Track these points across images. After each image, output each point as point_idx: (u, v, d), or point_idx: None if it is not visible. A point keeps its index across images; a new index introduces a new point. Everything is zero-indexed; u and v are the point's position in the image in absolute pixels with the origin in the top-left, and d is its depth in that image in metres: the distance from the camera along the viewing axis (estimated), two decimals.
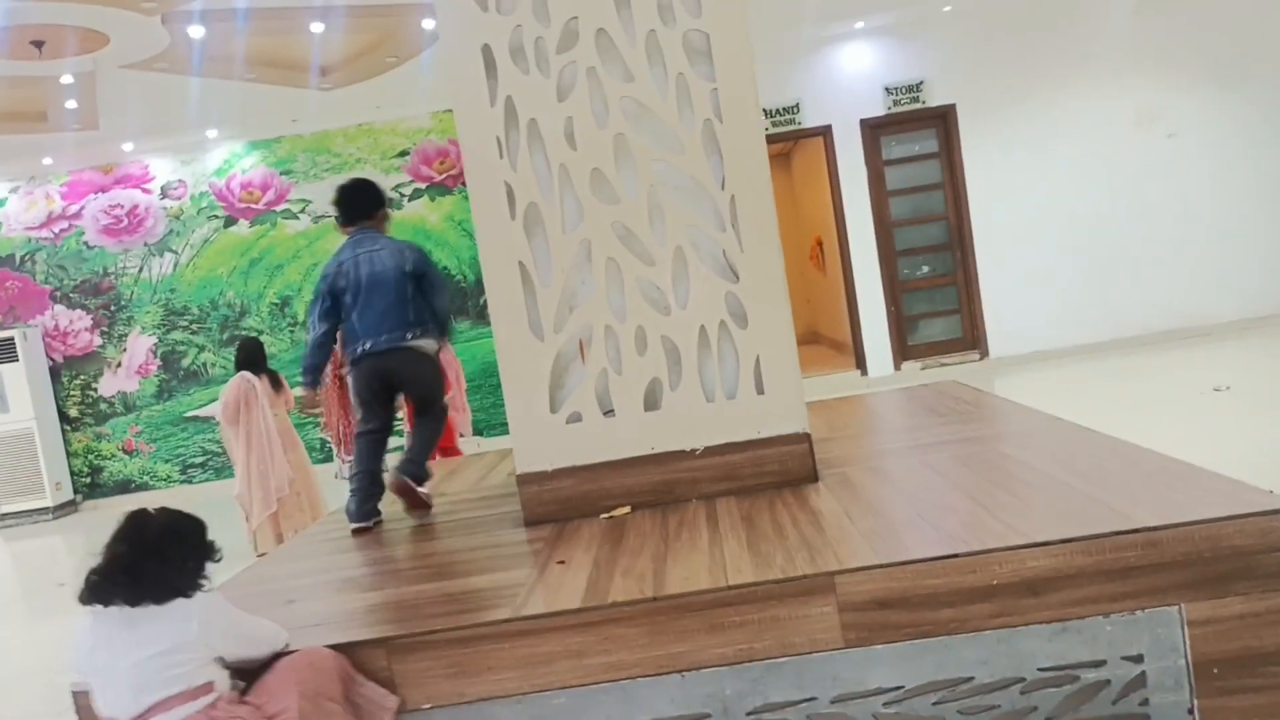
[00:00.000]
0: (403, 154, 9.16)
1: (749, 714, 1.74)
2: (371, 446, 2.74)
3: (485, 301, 9.16)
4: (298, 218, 9.16)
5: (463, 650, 1.75)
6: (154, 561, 1.64)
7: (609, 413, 2.43)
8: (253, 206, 9.17)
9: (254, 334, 8.55)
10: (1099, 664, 1.70)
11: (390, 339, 2.62)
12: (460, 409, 6.77)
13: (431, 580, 2.11)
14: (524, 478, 2.45)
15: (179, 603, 1.63)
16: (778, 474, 2.40)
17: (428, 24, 6.65)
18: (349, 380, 2.86)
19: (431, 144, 9.15)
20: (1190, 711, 1.69)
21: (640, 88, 2.36)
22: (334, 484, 7.50)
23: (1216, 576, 1.66)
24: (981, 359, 8.54)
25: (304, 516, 5.33)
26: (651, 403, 2.43)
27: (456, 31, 2.37)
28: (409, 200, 9.18)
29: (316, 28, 6.35)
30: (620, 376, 2.42)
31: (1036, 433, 2.56)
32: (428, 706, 1.77)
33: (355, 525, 2.70)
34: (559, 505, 2.43)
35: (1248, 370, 6.91)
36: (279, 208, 9.16)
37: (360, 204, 2.77)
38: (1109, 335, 8.35)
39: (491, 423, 9.25)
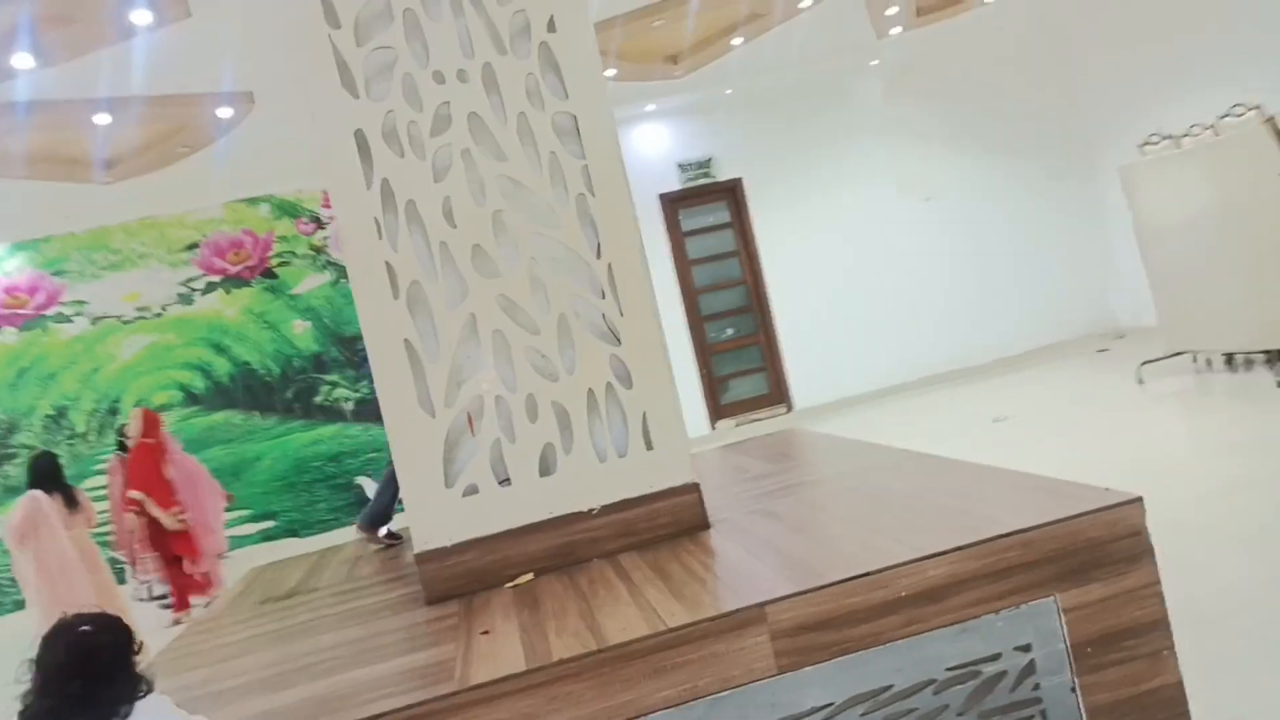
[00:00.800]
0: (191, 247, 8.74)
1: None
2: None
3: (293, 395, 8.75)
4: (72, 320, 8.51)
5: None
6: (76, 701, 1.52)
7: (505, 481, 2.47)
8: (19, 312, 8.43)
9: (32, 450, 7.79)
10: (995, 657, 1.91)
11: None
12: (209, 530, 6.44)
13: (351, 669, 2.06)
14: (423, 556, 2.43)
15: None
16: (672, 525, 2.52)
17: (223, 112, 6.46)
18: None
19: (224, 235, 8.79)
20: (1073, 690, 1.92)
21: (515, 166, 2.47)
22: (141, 607, 6.91)
23: (1080, 566, 1.92)
24: (788, 411, 9.09)
25: None
26: (546, 468, 2.49)
27: (329, 117, 2.39)
28: (202, 294, 8.74)
29: (102, 119, 6.03)
30: (514, 445, 2.47)
31: (892, 464, 2.82)
32: None
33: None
34: (462, 580, 2.43)
35: (1018, 400, 7.76)
36: (50, 311, 8.48)
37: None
38: (899, 379, 9.14)
39: (309, 521, 8.82)
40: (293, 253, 8.95)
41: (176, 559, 6.38)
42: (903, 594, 1.87)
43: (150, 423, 6.53)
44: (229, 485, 8.72)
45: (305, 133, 7.00)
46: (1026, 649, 1.92)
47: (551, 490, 2.48)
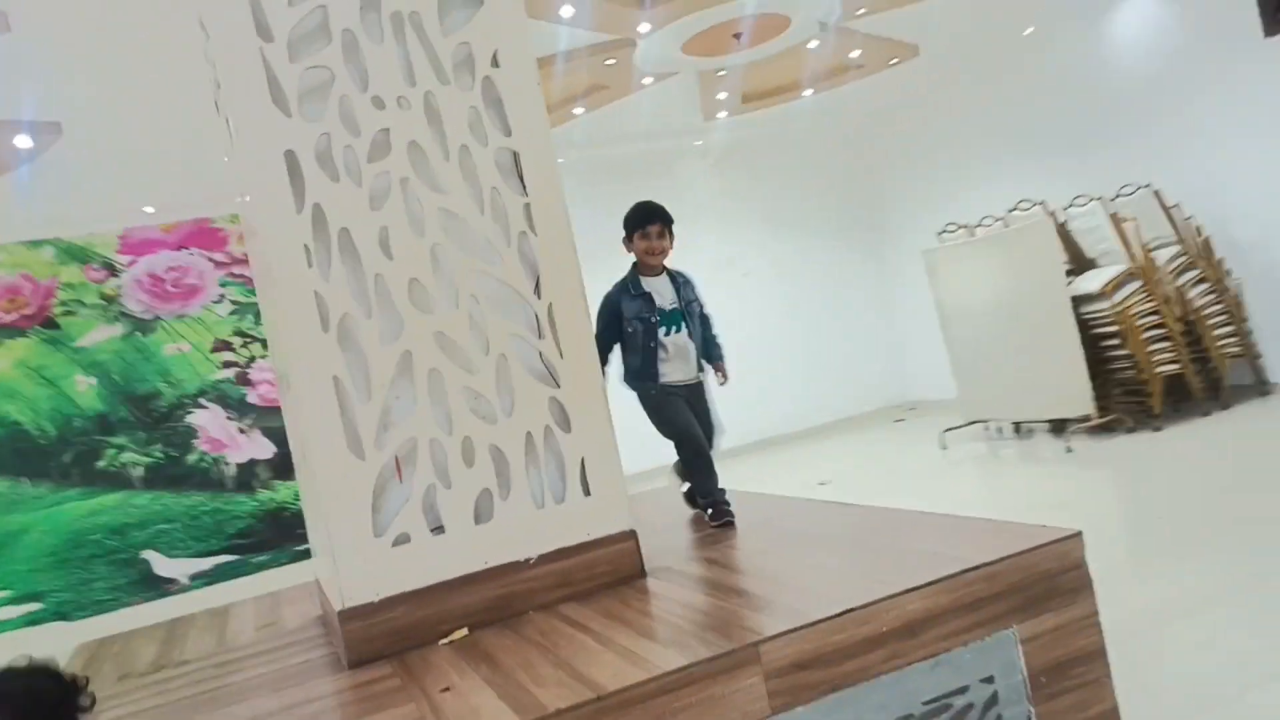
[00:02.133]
0: None
1: None
2: None
3: (71, 459, 7.86)
4: None
5: None
6: None
7: (437, 530, 2.31)
8: None
9: None
10: (964, 689, 1.96)
11: None
12: None
13: None
14: (347, 614, 2.21)
15: None
16: (609, 574, 2.44)
17: (21, 141, 5.85)
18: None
19: None
20: (1029, 718, 2.01)
21: (455, 200, 2.38)
22: None
23: (1035, 598, 2.03)
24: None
25: None
26: (482, 515, 2.35)
27: (256, 134, 2.21)
28: None
29: None
30: (449, 490, 2.32)
31: (802, 512, 2.88)
32: None
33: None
34: (390, 638, 2.23)
35: (836, 466, 8.17)
36: None
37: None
38: (727, 443, 9.38)
39: (82, 602, 7.83)
40: (80, 301, 8.08)
41: None
42: (884, 629, 1.90)
43: None
44: None
45: (113, 169, 6.56)
46: (990, 680, 1.99)
47: (487, 539, 2.35)
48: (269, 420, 8.55)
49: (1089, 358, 6.86)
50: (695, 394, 3.06)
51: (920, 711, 1.92)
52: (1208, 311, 7.06)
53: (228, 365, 8.45)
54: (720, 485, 2.97)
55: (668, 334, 2.96)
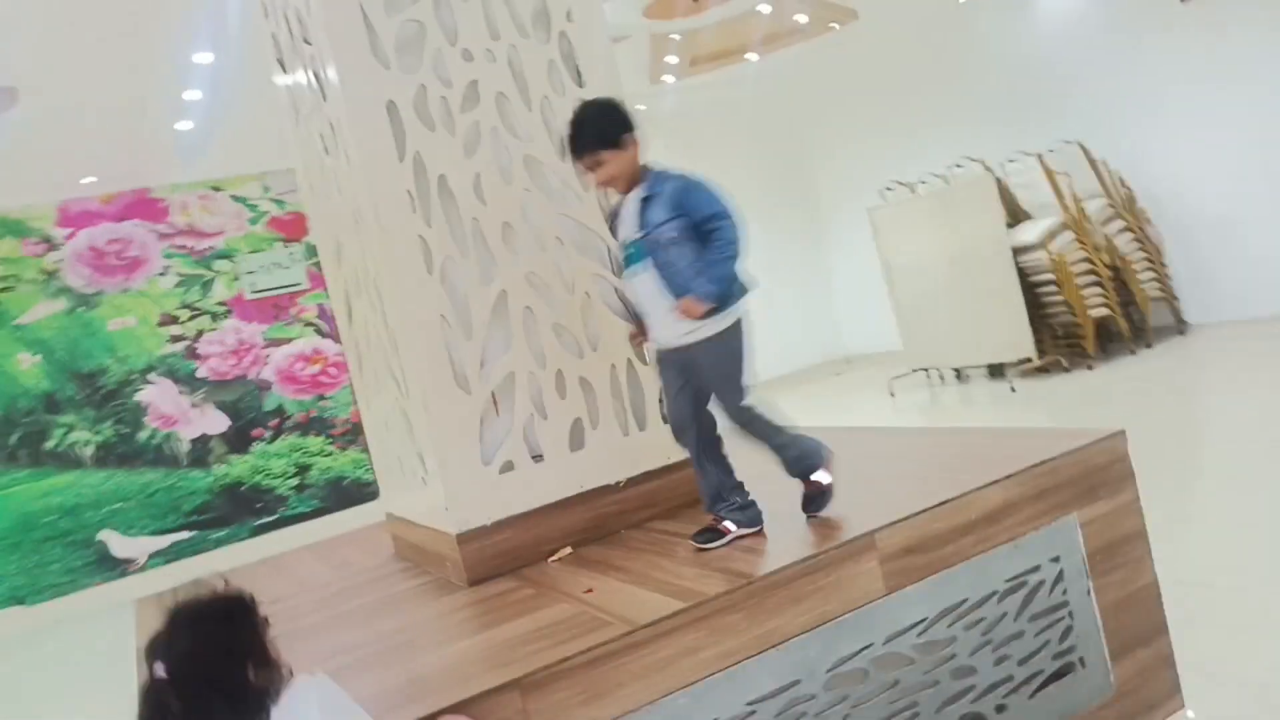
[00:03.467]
0: None
1: (828, 670, 1.96)
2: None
3: (17, 440, 7.70)
4: None
5: (591, 673, 1.74)
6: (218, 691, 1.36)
7: (538, 458, 2.48)
8: None
9: None
10: (1036, 568, 2.23)
11: None
12: None
13: (458, 640, 1.98)
14: (464, 537, 2.36)
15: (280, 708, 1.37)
16: (689, 494, 2.63)
17: None
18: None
19: None
20: (1088, 593, 2.29)
21: (540, 148, 2.52)
22: None
23: (1090, 488, 2.31)
24: None
25: None
26: (576, 443, 2.52)
27: (359, 86, 2.31)
28: None
29: None
30: (546, 421, 2.48)
31: (856, 436, 3.13)
32: None
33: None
34: (502, 559, 2.39)
35: (799, 416, 8.50)
36: None
37: None
38: None
39: (38, 586, 7.65)
40: (18, 277, 7.84)
41: None
42: (973, 517, 2.15)
43: None
44: None
45: (51, 138, 6.38)
46: (1056, 560, 2.26)
47: (581, 465, 2.52)
48: (221, 394, 8.46)
49: (1027, 304, 7.31)
50: (694, 359, 2.18)
51: (1003, 588, 2.18)
52: (1132, 258, 7.60)
53: (175, 339, 8.32)
54: (725, 496, 2.26)
55: (633, 276, 2.19)
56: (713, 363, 2.16)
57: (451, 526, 2.37)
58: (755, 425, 2.22)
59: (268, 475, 8.56)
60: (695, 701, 1.83)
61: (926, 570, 2.08)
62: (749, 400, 2.19)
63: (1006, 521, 2.19)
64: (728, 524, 2.21)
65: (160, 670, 1.36)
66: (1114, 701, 2.28)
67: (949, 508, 2.12)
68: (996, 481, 2.19)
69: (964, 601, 2.13)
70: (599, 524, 2.52)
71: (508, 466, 2.43)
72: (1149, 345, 7.62)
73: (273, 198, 8.74)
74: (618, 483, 2.55)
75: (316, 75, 2.50)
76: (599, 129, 2.15)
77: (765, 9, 7.62)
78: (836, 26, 8.65)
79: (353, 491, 8.87)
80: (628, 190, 2.19)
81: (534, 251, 2.49)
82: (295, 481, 8.67)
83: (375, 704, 1.67)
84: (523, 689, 1.68)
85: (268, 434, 8.61)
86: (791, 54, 9.10)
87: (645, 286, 2.15)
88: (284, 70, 2.83)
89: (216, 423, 8.47)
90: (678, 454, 2.64)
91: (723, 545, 2.17)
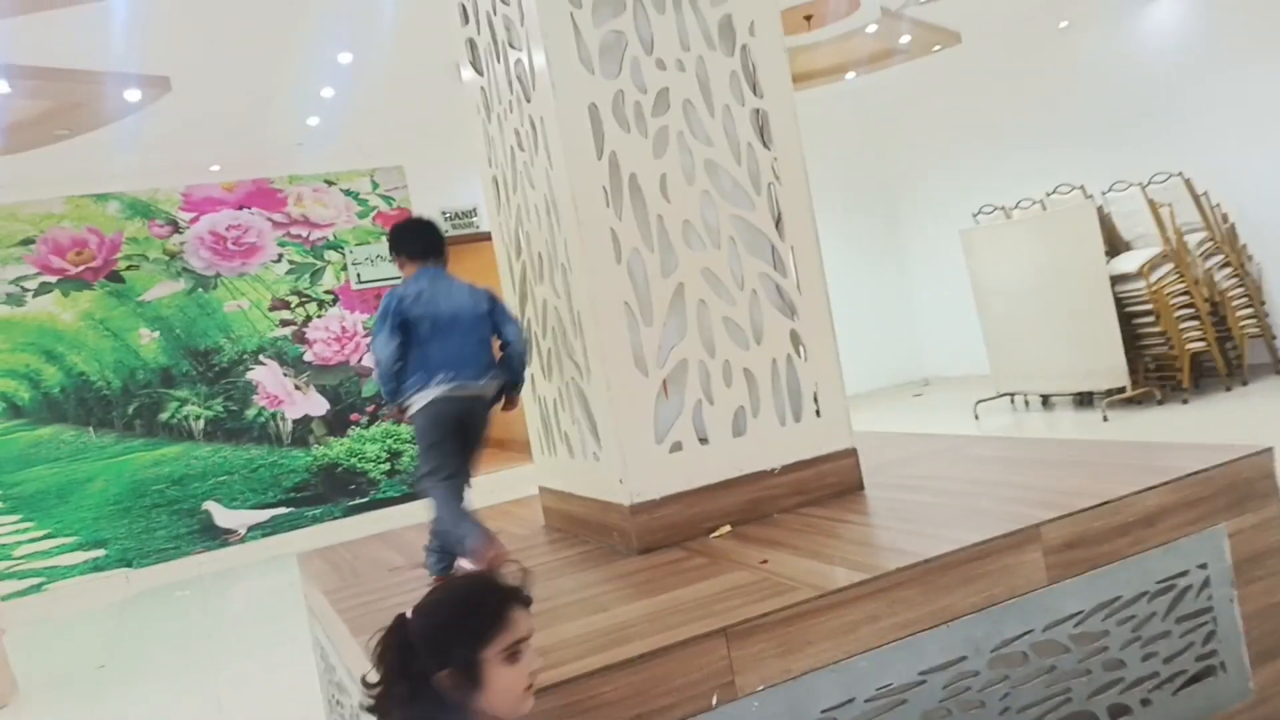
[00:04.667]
0: (26, 242, 7.87)
1: (992, 650, 2.10)
2: (454, 492, 2.57)
3: (134, 410, 8.06)
4: None
5: (787, 629, 1.90)
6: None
7: (703, 440, 2.65)
8: None
9: None
10: (1185, 573, 2.34)
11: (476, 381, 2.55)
12: None
13: (654, 594, 2.16)
14: (636, 507, 2.55)
15: None
16: (836, 485, 2.80)
17: (131, 95, 6.03)
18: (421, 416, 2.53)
19: (64, 232, 8.00)
20: (1232, 600, 2.39)
21: (719, 152, 2.70)
22: None
23: (1238, 500, 2.41)
24: None
25: None
26: (738, 429, 2.69)
27: (567, 89, 2.52)
28: (34, 295, 7.87)
29: None
30: (713, 406, 2.66)
31: (986, 444, 3.25)
32: (762, 688, 1.87)
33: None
34: (668, 530, 2.57)
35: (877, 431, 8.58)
36: None
37: (434, 239, 2.67)
38: None
39: (145, 550, 8.04)
40: (144, 256, 8.27)
41: None
42: (1130, 519, 2.27)
43: None
44: (54, 508, 7.85)
45: (180, 126, 6.65)
46: (1204, 566, 2.37)
47: (742, 450, 2.69)
48: (323, 378, 8.82)
49: (1122, 334, 7.31)
50: None
51: (1154, 589, 2.30)
52: (1231, 294, 7.55)
53: (285, 324, 8.70)
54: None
55: None
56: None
57: (625, 498, 2.55)
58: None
59: (362, 459, 8.87)
60: (874, 665, 1.98)
61: (1086, 565, 2.21)
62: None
63: (1160, 526, 2.31)
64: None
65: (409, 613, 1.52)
66: (1252, 706, 2.38)
67: (1109, 508, 2.25)
68: (1153, 487, 2.31)
69: (1118, 598, 2.25)
70: (754, 506, 2.68)
71: (677, 446, 2.61)
72: (1244, 383, 7.56)
73: (381, 194, 9.08)
74: (774, 469, 2.72)
75: (520, 78, 2.71)
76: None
77: (872, 29, 7.75)
78: (939, 49, 8.74)
79: None
80: None
81: (709, 248, 2.67)
82: (386, 466, 8.97)
83: (582, 646, 1.86)
84: (729, 637, 1.85)
85: (364, 419, 8.93)
86: (891, 74, 9.21)
87: None
88: (477, 72, 3.06)
89: (318, 405, 8.82)
90: (828, 446, 2.80)
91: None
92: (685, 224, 2.65)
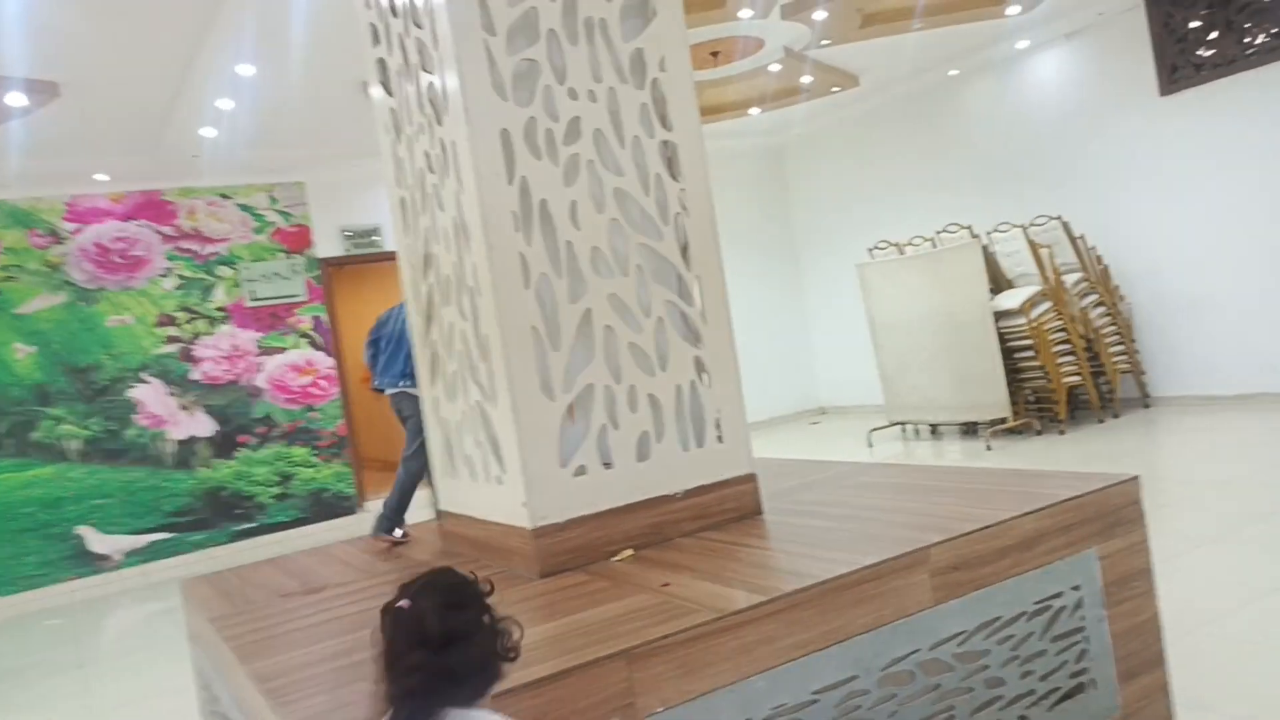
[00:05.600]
0: None
1: (881, 669, 2.18)
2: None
3: (5, 429, 7.63)
4: None
5: (687, 651, 1.94)
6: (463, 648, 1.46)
7: (608, 465, 2.68)
8: None
9: None
10: (1059, 594, 2.48)
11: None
12: None
13: (558, 617, 2.17)
14: (539, 531, 2.56)
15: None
16: (736, 510, 2.86)
17: (15, 100, 5.77)
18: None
19: None
20: (1102, 620, 2.54)
21: (628, 182, 2.76)
22: None
23: (1108, 525, 2.57)
24: None
25: None
26: (642, 454, 2.74)
27: (480, 113, 2.54)
28: None
29: None
30: (618, 431, 2.70)
31: (874, 470, 3.37)
32: (661, 710, 1.90)
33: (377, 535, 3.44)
34: (571, 554, 2.59)
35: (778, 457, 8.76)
36: None
37: None
38: None
39: (10, 577, 7.60)
40: (21, 267, 7.88)
41: None
42: (1010, 543, 2.40)
43: None
44: None
45: (66, 132, 6.45)
46: (1078, 588, 2.51)
47: (646, 475, 2.73)
48: (211, 398, 8.52)
49: (1004, 367, 7.68)
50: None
51: (1031, 609, 2.43)
52: (1105, 331, 8.01)
53: (171, 341, 8.39)
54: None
55: None
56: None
57: (527, 521, 2.56)
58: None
59: (250, 481, 8.59)
60: (771, 685, 2.03)
61: (969, 587, 2.32)
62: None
63: (1037, 549, 2.44)
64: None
65: (407, 636, 1.46)
66: None
67: (990, 532, 2.37)
68: (1031, 513, 2.44)
69: (998, 618, 2.36)
70: (657, 530, 2.73)
71: (581, 470, 2.64)
72: (1116, 415, 8.02)
73: (280, 209, 8.88)
74: (676, 493, 2.77)
75: (432, 101, 2.72)
76: None
77: (775, 68, 8.00)
78: (838, 90, 9.07)
79: (333, 504, 8.93)
80: None
81: (617, 276, 2.72)
82: (277, 490, 8.71)
83: None
84: (629, 659, 1.88)
85: (254, 441, 8.66)
86: (796, 112, 9.50)
87: None
88: (387, 92, 3.05)
89: (204, 426, 8.51)
90: (729, 471, 2.87)
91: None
92: (594, 251, 2.69)
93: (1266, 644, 3.24)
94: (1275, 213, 7.29)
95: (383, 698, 1.43)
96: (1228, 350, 7.70)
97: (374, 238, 9.15)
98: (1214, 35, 7.45)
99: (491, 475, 2.75)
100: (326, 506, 8.90)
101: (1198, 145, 7.64)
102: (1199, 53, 7.55)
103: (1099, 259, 8.21)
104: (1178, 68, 7.70)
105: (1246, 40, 7.28)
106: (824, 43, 7.44)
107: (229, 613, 2.80)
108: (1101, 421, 7.89)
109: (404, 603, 1.50)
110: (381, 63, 3.06)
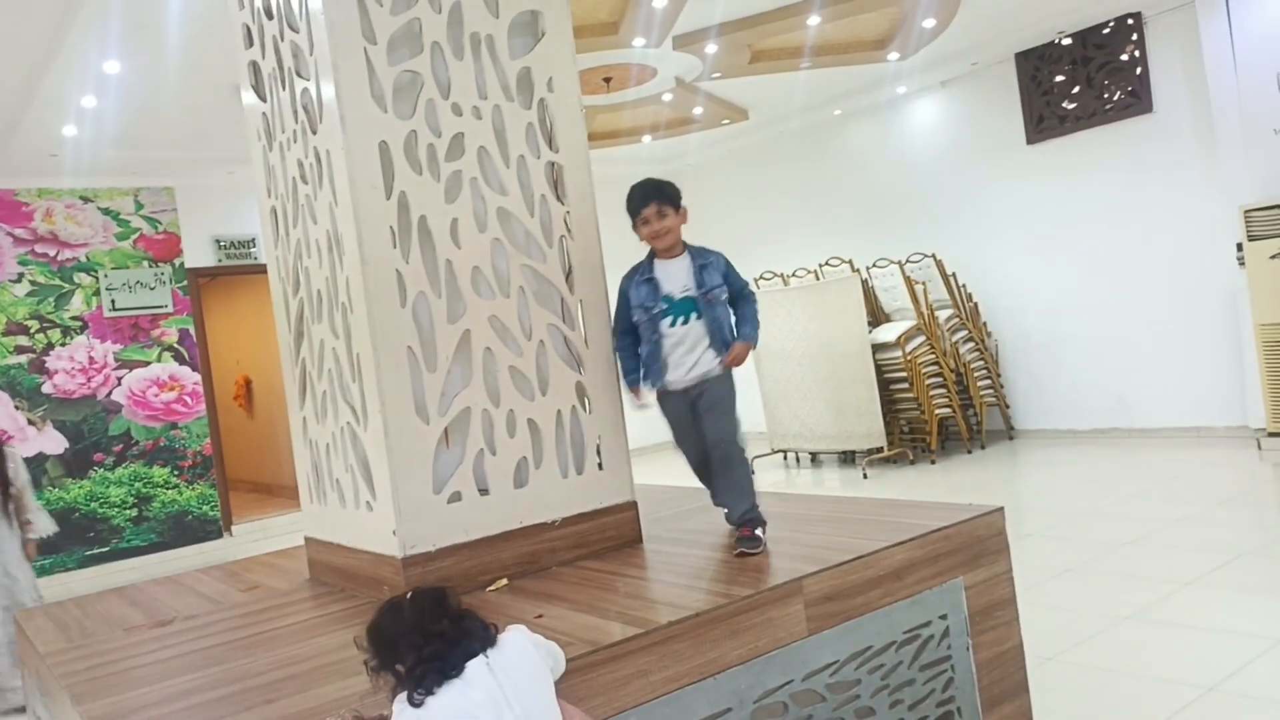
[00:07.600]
0: None
1: (755, 701, 2.16)
2: None
3: None
4: None
5: (560, 685, 1.86)
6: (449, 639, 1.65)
7: (484, 491, 2.60)
8: None
9: None
10: (928, 624, 2.52)
11: None
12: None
13: None
14: (409, 559, 2.45)
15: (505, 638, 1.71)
16: (615, 538, 2.82)
17: None
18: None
19: None
20: (968, 649, 2.60)
21: (512, 202, 2.71)
22: None
23: (974, 555, 2.63)
24: None
25: None
26: (520, 480, 2.67)
27: (357, 125, 2.44)
28: None
29: None
30: (495, 457, 2.62)
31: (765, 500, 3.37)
32: None
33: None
34: (442, 584, 2.48)
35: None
36: None
37: None
38: None
39: None
40: None
41: None
42: (881, 573, 2.42)
43: None
44: None
45: None
46: (945, 617, 2.56)
47: (523, 502, 2.66)
48: (64, 413, 8.00)
49: (880, 398, 7.90)
50: (700, 395, 2.72)
51: (901, 639, 2.46)
52: (973, 366, 8.35)
53: (21, 351, 7.84)
54: (747, 503, 2.71)
55: (673, 325, 2.67)
56: (723, 393, 2.73)
57: (397, 550, 2.46)
58: (735, 456, 2.77)
59: (105, 503, 8.08)
60: (642, 719, 1.99)
61: (841, 617, 2.33)
62: (740, 433, 2.77)
63: (907, 579, 2.48)
64: (758, 531, 2.64)
65: (390, 645, 1.65)
66: None
67: (862, 562, 2.39)
68: (902, 543, 2.48)
69: (869, 648, 2.38)
70: (533, 559, 2.65)
71: (455, 497, 2.55)
72: (983, 446, 8.34)
73: (145, 215, 8.44)
74: (553, 521, 2.70)
75: (306, 108, 2.61)
76: (675, 192, 2.78)
77: (668, 97, 8.08)
78: (728, 122, 9.22)
79: (195, 528, 8.48)
80: (667, 251, 2.75)
81: (499, 297, 2.66)
82: (134, 512, 8.22)
83: (344, 710, 1.76)
84: None
85: (109, 460, 8.16)
86: (688, 141, 9.62)
87: (694, 332, 2.69)
88: (260, 97, 2.92)
89: (55, 443, 7.97)
90: (609, 499, 2.83)
91: (762, 550, 2.57)
92: (475, 270, 2.62)
93: (1122, 670, 3.38)
94: (1125, 258, 7.75)
95: (392, 686, 1.62)
96: (1084, 386, 8.12)
97: (251, 249, 8.80)
98: (1076, 89, 7.91)
99: (361, 501, 2.63)
100: (189, 530, 8.44)
101: (1059, 192, 8.08)
102: (1064, 105, 8.00)
103: (969, 296, 8.56)
104: (1044, 118, 8.14)
105: (1105, 96, 7.74)
106: (715, 75, 7.56)
107: (64, 647, 2.58)
108: (970, 452, 8.20)
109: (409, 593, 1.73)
110: (254, 65, 2.93)
